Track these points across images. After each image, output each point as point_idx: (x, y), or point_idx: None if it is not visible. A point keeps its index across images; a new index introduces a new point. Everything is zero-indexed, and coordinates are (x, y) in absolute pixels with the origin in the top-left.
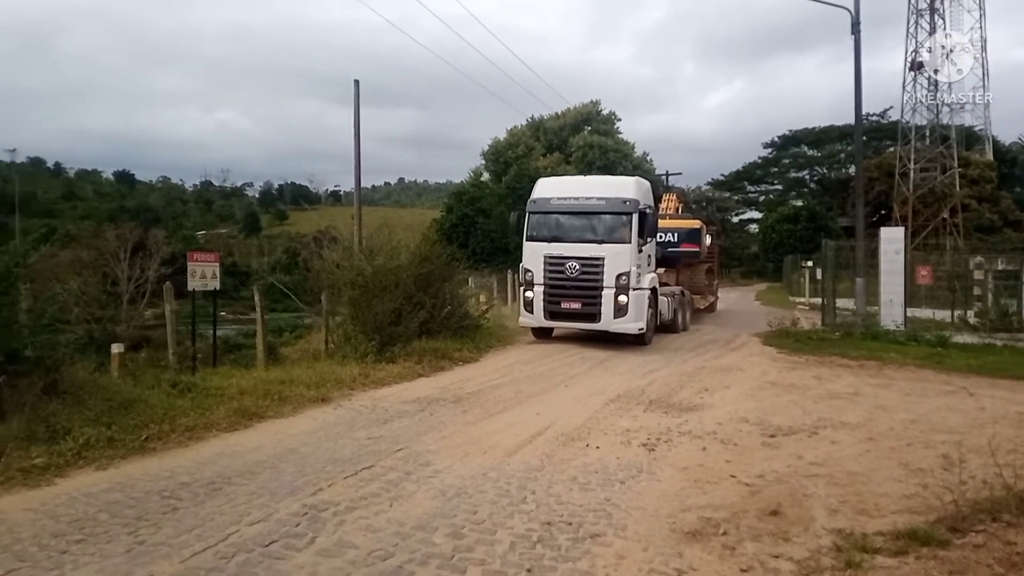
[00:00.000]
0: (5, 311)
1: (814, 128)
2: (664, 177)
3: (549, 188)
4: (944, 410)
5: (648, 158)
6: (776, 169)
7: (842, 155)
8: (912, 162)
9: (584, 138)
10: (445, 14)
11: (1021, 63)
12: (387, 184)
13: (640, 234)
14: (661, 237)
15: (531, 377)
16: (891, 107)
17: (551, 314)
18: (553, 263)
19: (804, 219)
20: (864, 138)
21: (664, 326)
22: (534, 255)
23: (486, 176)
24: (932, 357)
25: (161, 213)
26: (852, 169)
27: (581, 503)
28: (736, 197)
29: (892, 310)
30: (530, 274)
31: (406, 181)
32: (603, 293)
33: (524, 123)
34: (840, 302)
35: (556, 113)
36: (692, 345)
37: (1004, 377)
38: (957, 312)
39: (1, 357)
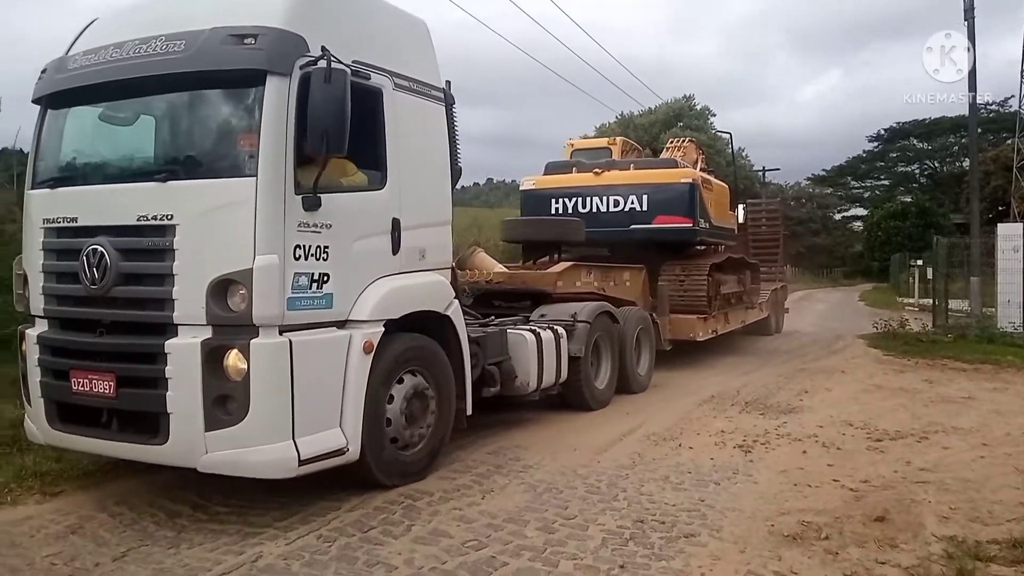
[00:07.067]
0: None
1: (924, 120)
2: (761, 173)
3: (93, 35)
4: None
5: (744, 153)
6: (882, 163)
7: (955, 148)
8: None
9: (675, 134)
10: (519, 13)
11: None
12: (476, 185)
13: (321, 141)
14: (616, 204)
15: None
16: (1011, 96)
17: (59, 412)
18: (56, 250)
19: (913, 216)
20: (980, 130)
21: (541, 395)
22: (30, 230)
23: None
24: None
25: None
26: (966, 163)
27: (674, 503)
28: (839, 193)
29: (1010, 311)
30: (28, 291)
31: (494, 181)
32: (172, 347)
33: (613, 120)
34: (953, 303)
35: (649, 108)
36: (790, 347)
37: None
38: None
39: None
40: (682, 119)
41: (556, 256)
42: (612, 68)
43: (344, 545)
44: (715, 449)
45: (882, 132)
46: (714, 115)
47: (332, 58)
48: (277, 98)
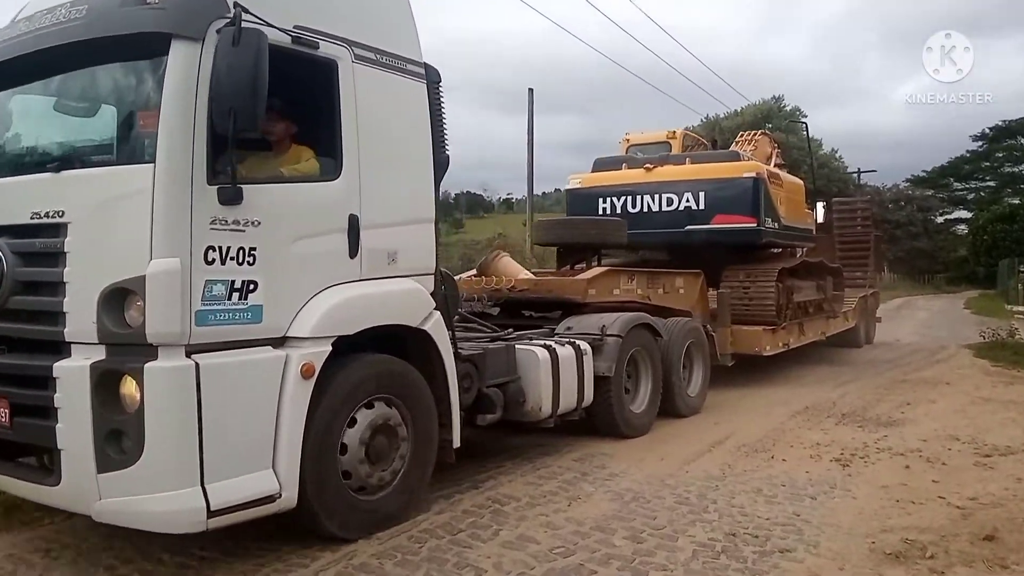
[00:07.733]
0: None
1: None
2: (856, 175)
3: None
4: None
5: (837, 155)
6: (988, 163)
7: None
8: None
9: None
10: (601, 18)
11: None
12: (557, 191)
13: (228, 117)
14: (670, 203)
15: None
16: None
17: None
18: None
19: (1022, 218)
20: None
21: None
22: None
23: None
24: None
25: None
26: None
27: (767, 516)
28: (941, 195)
29: None
30: None
31: None
32: (60, 370)
33: (698, 123)
34: None
35: (736, 111)
36: (889, 356)
37: None
38: None
39: None
40: (771, 120)
41: (596, 261)
42: (697, 71)
43: (434, 547)
44: (810, 462)
45: (987, 131)
46: (805, 116)
47: (251, 17)
48: (183, 67)
